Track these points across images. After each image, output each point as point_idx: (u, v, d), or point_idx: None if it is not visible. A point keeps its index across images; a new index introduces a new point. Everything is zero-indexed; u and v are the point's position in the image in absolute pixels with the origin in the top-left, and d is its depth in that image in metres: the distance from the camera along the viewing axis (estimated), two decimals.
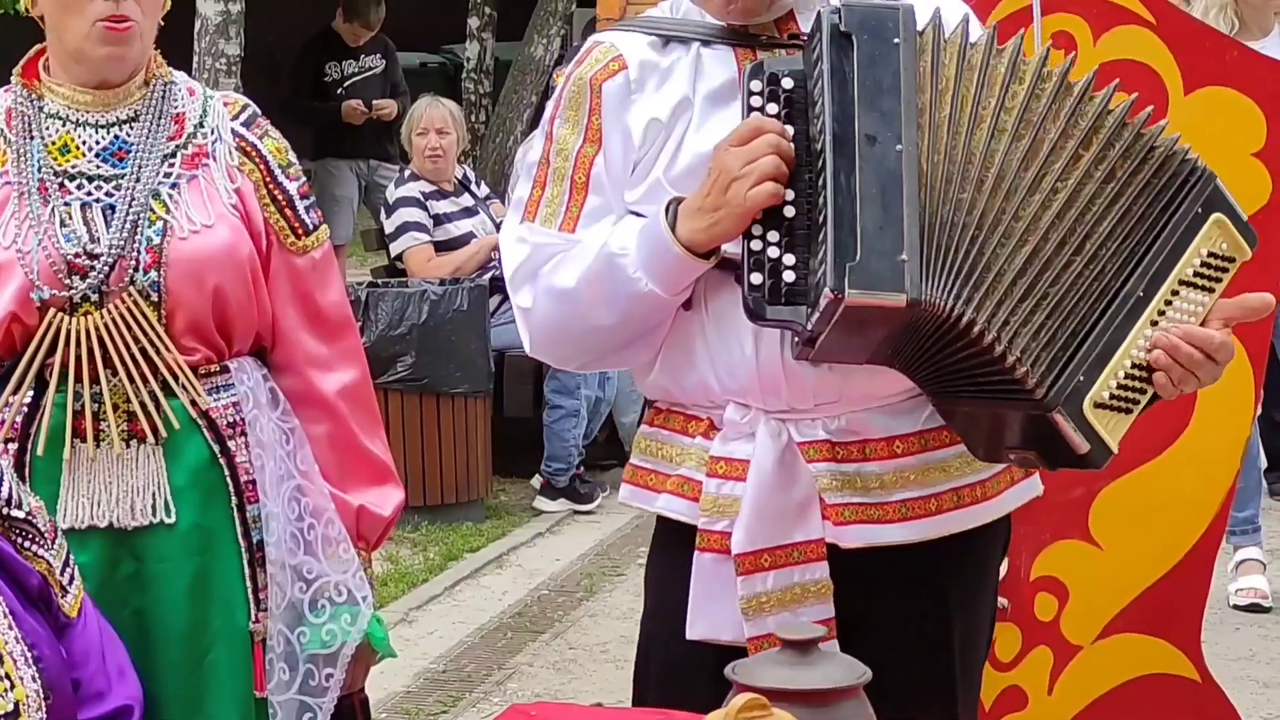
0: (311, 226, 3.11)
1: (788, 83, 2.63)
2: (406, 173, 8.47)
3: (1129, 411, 2.59)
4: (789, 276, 2.58)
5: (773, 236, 2.59)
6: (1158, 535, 4.30)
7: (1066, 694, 4.32)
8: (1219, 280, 2.63)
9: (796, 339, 2.62)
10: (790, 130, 2.61)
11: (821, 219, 2.54)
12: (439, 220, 8.19)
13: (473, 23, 13.27)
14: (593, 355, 2.88)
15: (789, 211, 2.59)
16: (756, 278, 2.59)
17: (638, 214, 2.76)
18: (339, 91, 11.31)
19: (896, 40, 2.57)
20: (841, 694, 2.29)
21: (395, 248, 8.21)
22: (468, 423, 7.68)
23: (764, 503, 2.76)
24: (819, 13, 2.62)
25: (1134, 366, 2.57)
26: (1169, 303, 2.59)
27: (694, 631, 2.82)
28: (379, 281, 8.08)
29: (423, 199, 8.21)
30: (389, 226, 8.27)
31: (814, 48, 2.61)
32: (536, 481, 8.07)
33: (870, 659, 2.33)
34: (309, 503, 3.09)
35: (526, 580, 7.13)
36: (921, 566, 2.81)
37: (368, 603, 3.14)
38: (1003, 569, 4.24)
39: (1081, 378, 2.53)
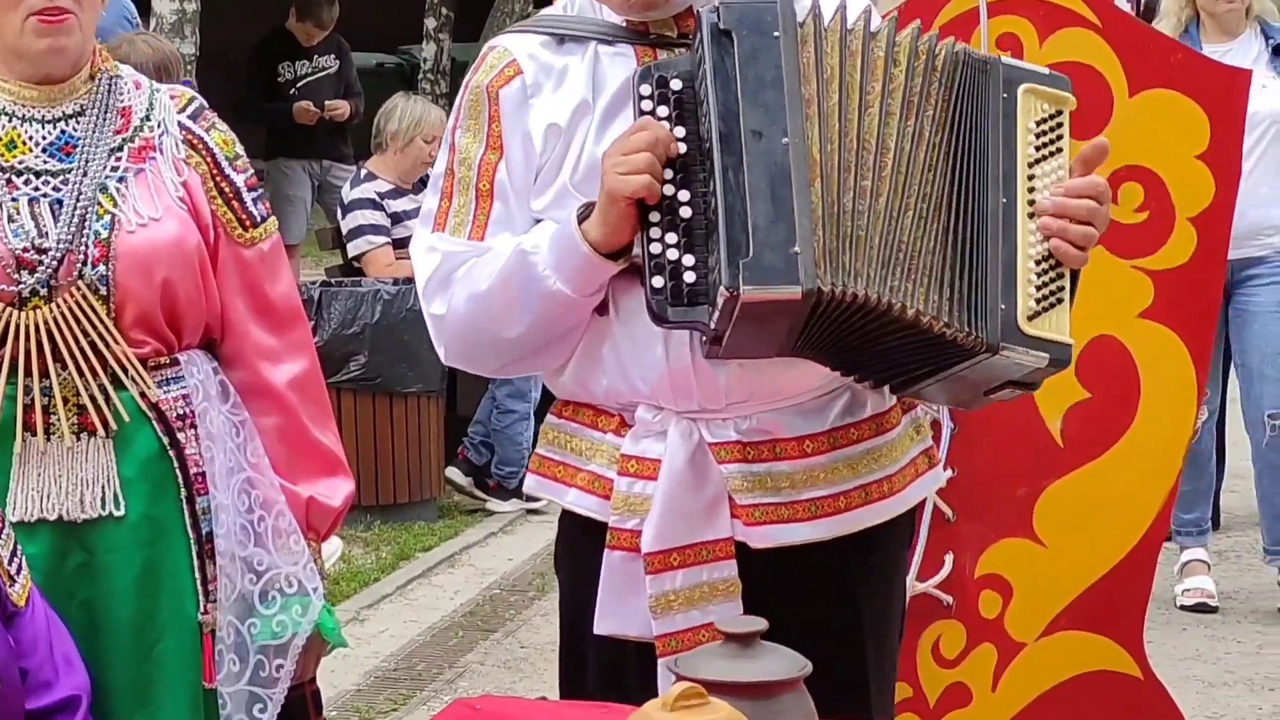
0: (259, 218, 3.13)
1: (676, 84, 2.63)
2: (363, 173, 8.42)
3: (1062, 301, 2.62)
4: (689, 277, 2.59)
5: (671, 238, 2.60)
6: (1101, 534, 4.34)
7: (1010, 691, 4.36)
8: (1060, 138, 2.65)
9: (704, 338, 2.63)
10: (682, 131, 2.62)
11: (715, 219, 2.55)
12: (397, 218, 8.15)
13: (429, 23, 13.28)
14: (507, 359, 2.87)
15: (685, 212, 2.60)
16: (658, 280, 2.60)
17: (540, 220, 2.78)
18: (292, 92, 11.29)
19: (776, 34, 2.58)
20: (782, 686, 2.31)
21: (352, 249, 8.20)
22: (420, 422, 7.68)
23: (674, 503, 2.77)
24: (699, 12, 2.64)
25: (1039, 263, 2.60)
26: (1031, 189, 2.61)
27: (602, 627, 2.84)
28: (332, 281, 8.08)
29: (379, 199, 8.18)
30: (345, 227, 8.25)
31: (697, 47, 2.62)
32: (453, 473, 8.05)
33: None
34: (259, 495, 3.10)
35: (478, 579, 7.15)
36: (830, 562, 2.84)
37: (318, 594, 3.15)
38: (947, 566, 4.32)
39: (1003, 306, 2.56)
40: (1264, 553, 6.72)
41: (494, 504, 7.99)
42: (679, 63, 2.68)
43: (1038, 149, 2.62)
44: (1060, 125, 2.65)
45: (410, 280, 7.81)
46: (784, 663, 2.34)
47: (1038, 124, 2.63)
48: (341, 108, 11.20)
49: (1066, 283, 2.63)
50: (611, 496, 2.82)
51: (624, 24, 2.81)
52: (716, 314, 2.55)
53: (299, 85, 11.35)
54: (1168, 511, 4.36)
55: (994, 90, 2.63)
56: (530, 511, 7.91)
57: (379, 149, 8.30)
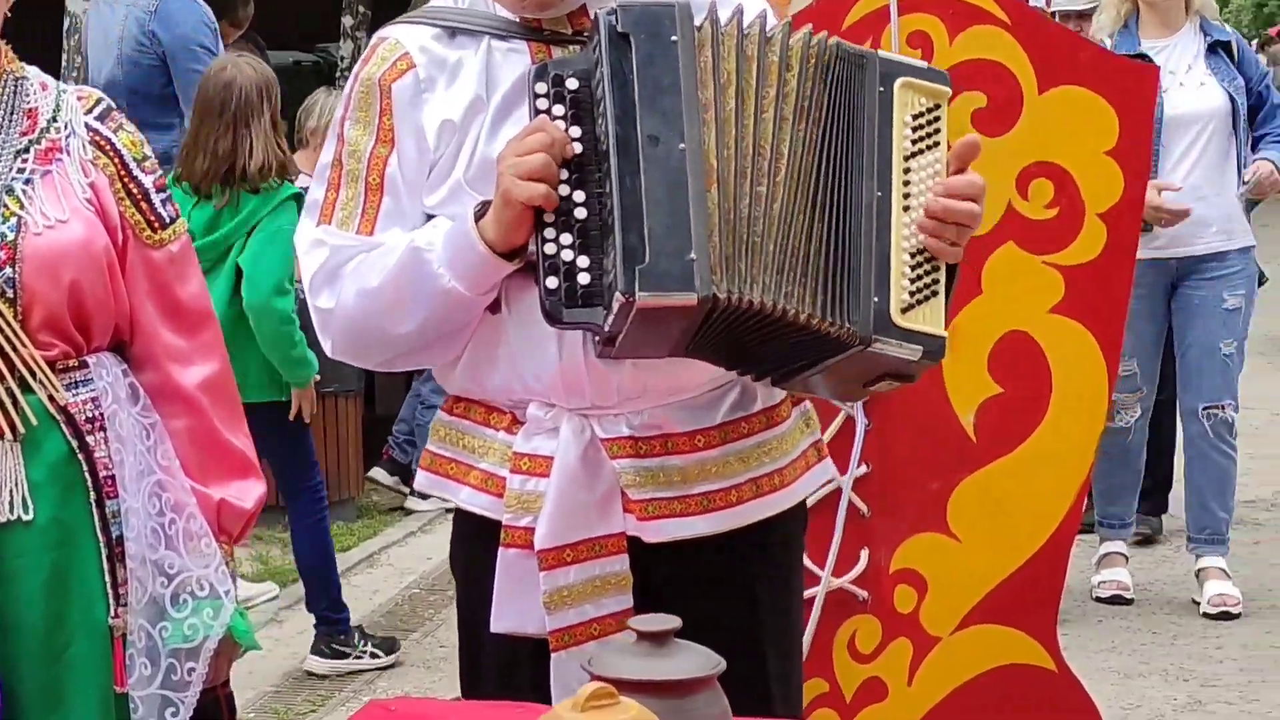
0: (168, 220, 3.11)
1: (572, 83, 2.63)
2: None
3: (936, 295, 2.63)
4: (584, 279, 2.58)
5: (566, 239, 2.59)
6: (1014, 527, 4.37)
7: (926, 685, 4.38)
8: (937, 131, 2.65)
9: (597, 339, 2.63)
10: (578, 131, 2.61)
11: (610, 221, 2.55)
12: None
13: (346, 21, 13.21)
14: (395, 354, 2.86)
15: (580, 214, 2.59)
16: (552, 281, 2.59)
17: (433, 216, 2.77)
18: None
19: (674, 38, 2.58)
20: (696, 685, 2.31)
21: None
22: (338, 422, 7.66)
23: (567, 499, 2.78)
24: (596, 14, 2.63)
25: (913, 256, 2.61)
26: (907, 183, 2.62)
27: (498, 625, 2.84)
28: None
29: (301, 194, 8.14)
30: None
31: (594, 49, 2.62)
32: (379, 473, 8.01)
33: None
34: (170, 498, 3.08)
35: (398, 579, 7.14)
36: (722, 556, 2.86)
37: (230, 596, 3.14)
38: (862, 561, 4.34)
39: (876, 298, 2.58)
40: (1188, 541, 6.78)
41: (413, 502, 7.97)
42: (575, 61, 2.67)
43: (914, 142, 2.63)
44: (938, 119, 2.66)
45: None
46: (698, 661, 2.34)
47: (914, 118, 2.64)
48: None
49: (941, 276, 2.63)
50: (504, 494, 2.82)
51: (517, 20, 2.80)
52: (611, 317, 2.56)
53: None
54: (1080, 505, 4.39)
55: (870, 85, 2.64)
56: (450, 510, 7.87)
57: (300, 145, 8.26)
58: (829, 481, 3.15)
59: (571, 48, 2.76)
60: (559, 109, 2.63)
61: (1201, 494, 6.73)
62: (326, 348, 2.90)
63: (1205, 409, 6.60)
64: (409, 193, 2.78)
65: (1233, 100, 6.46)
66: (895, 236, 2.60)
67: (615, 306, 2.53)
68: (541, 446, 2.80)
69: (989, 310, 4.34)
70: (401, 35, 2.83)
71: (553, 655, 2.82)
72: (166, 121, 6.73)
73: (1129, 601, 6.65)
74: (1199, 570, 6.73)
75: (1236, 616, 6.51)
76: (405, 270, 2.72)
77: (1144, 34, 6.59)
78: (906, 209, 2.62)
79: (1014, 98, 4.27)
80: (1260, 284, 7.02)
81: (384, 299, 2.75)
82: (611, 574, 2.81)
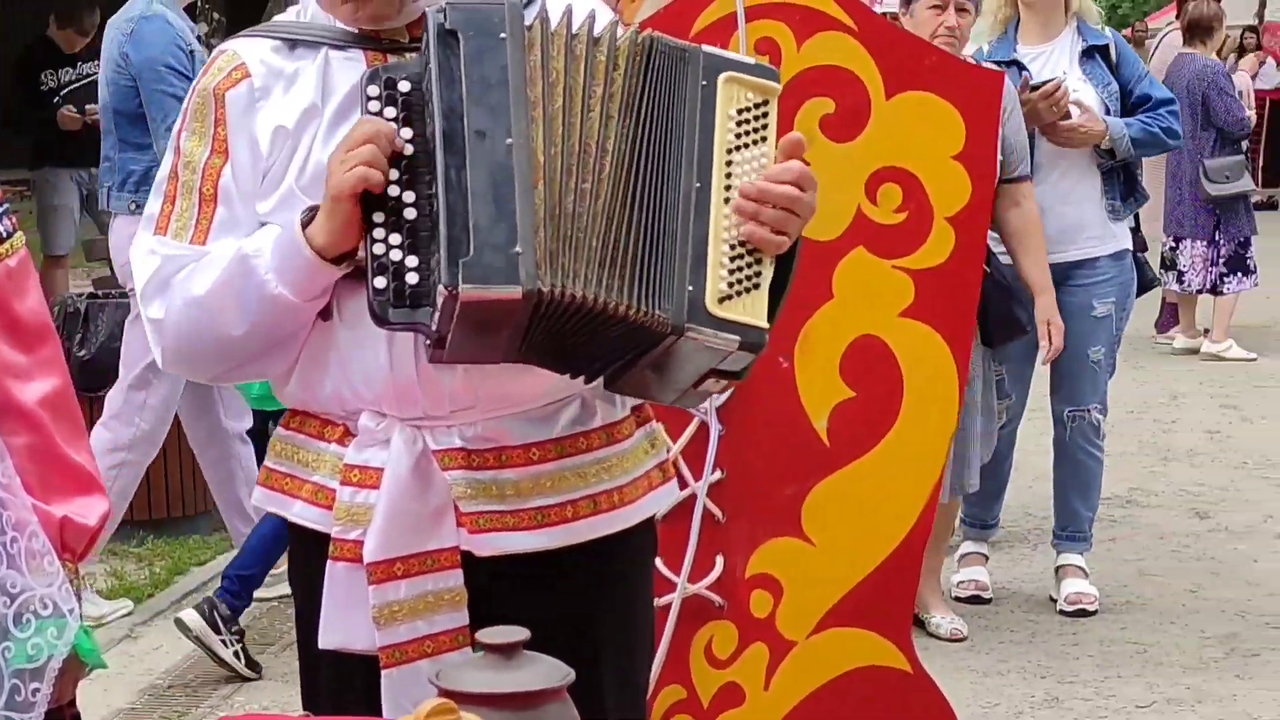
0: (4, 234, 3.06)
1: (404, 85, 2.61)
2: None
3: (758, 286, 2.59)
4: (412, 278, 2.56)
5: (395, 239, 2.57)
6: (868, 531, 4.39)
7: (783, 689, 4.40)
8: (765, 127, 2.64)
9: (428, 341, 2.61)
10: (409, 133, 2.59)
11: (436, 217, 2.54)
12: None
13: (201, 29, 13.12)
14: (228, 365, 2.83)
15: (410, 214, 2.58)
16: (380, 281, 2.57)
17: (266, 224, 2.74)
18: (56, 100, 11.08)
19: (503, 35, 2.57)
20: (545, 696, 2.30)
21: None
22: None
23: (398, 511, 2.74)
24: (425, 12, 2.62)
25: (733, 248, 2.59)
26: (729, 175, 2.60)
27: (327, 640, 2.80)
28: (99, 293, 7.94)
29: None
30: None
31: (424, 48, 2.61)
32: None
33: None
34: (11, 516, 3.02)
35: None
36: (558, 573, 2.83)
37: (74, 615, 3.09)
38: (718, 568, 4.35)
39: (690, 287, 2.55)
40: (1053, 538, 6.85)
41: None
42: (408, 65, 2.66)
43: (738, 136, 2.61)
44: (765, 115, 2.64)
45: None
46: (546, 672, 2.33)
47: (739, 112, 2.62)
48: None
49: (765, 269, 2.60)
50: (334, 507, 2.79)
51: (356, 30, 2.79)
52: (438, 315, 2.53)
53: (63, 93, 11.14)
54: (933, 507, 4.42)
55: (692, 79, 2.62)
56: None
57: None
58: (687, 495, 3.11)
59: (409, 55, 2.74)
60: (390, 110, 2.61)
61: (1066, 493, 6.80)
62: (158, 359, 2.85)
63: (1071, 412, 6.67)
64: (243, 202, 2.76)
65: (1106, 107, 6.50)
66: (714, 227, 2.57)
67: (439, 302, 2.50)
68: (373, 458, 2.76)
69: (840, 315, 4.36)
70: (240, 47, 2.82)
71: (383, 673, 2.77)
72: (145, 141, 6.73)
73: (987, 601, 6.70)
74: (1058, 568, 6.80)
75: (1093, 614, 6.58)
76: (233, 277, 2.70)
77: (1023, 39, 6.63)
78: (727, 200, 2.59)
79: (861, 103, 4.30)
80: (1150, 287, 7.10)
81: (212, 307, 2.72)
82: (445, 590, 2.77)
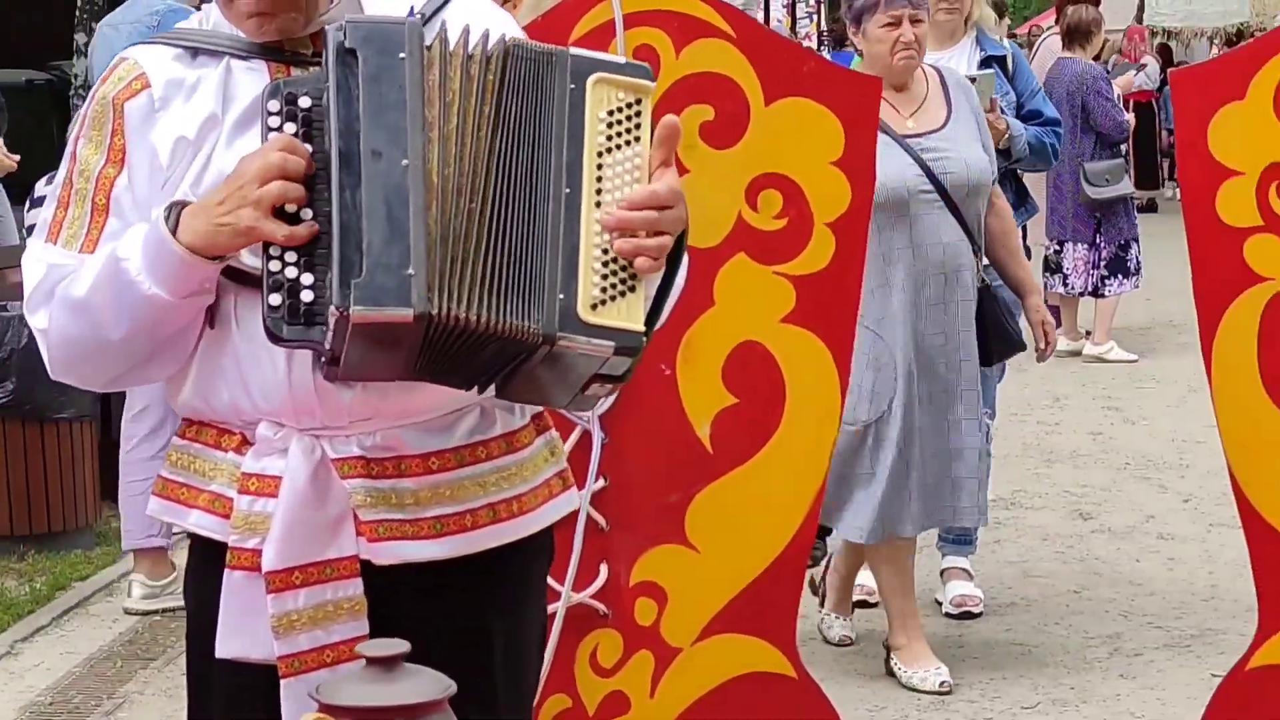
0: None
1: (305, 101, 2.60)
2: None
3: (633, 290, 2.57)
4: (307, 296, 2.55)
5: (290, 256, 2.56)
6: (751, 537, 4.41)
7: (668, 696, 4.41)
8: (638, 126, 2.61)
9: (322, 359, 2.60)
10: (308, 149, 2.58)
11: (331, 236, 2.53)
12: None
13: (80, 39, 12.98)
14: (114, 371, 2.80)
15: (304, 229, 2.56)
16: (275, 298, 2.55)
17: None
18: None
19: (402, 55, 2.56)
20: (426, 709, 2.29)
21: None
22: (74, 448, 7.50)
23: (296, 520, 2.73)
24: (325, 29, 2.61)
25: (605, 253, 2.57)
26: (600, 179, 2.58)
27: (224, 650, 2.78)
28: None
29: None
30: (29, 220, 7.98)
31: (324, 65, 2.59)
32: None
33: None
34: None
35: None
36: (458, 582, 2.82)
37: None
38: (602, 576, 4.34)
39: (562, 295, 2.53)
40: (938, 540, 6.87)
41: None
42: (309, 80, 2.64)
43: (609, 138, 2.59)
44: (638, 114, 2.61)
45: None
46: (428, 684, 2.32)
47: (610, 113, 2.60)
48: None
49: (641, 273, 2.59)
50: (231, 515, 2.77)
51: (260, 41, 2.77)
52: (331, 334, 2.52)
53: None
54: (815, 512, 4.44)
55: (560, 82, 2.60)
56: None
57: None
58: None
59: (311, 68, 2.73)
60: (290, 127, 2.59)
61: None
62: (49, 369, 2.82)
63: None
64: (137, 212, 2.74)
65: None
66: (585, 233, 2.56)
67: (331, 322, 2.50)
68: (270, 466, 2.75)
69: (722, 322, 4.37)
70: (141, 56, 2.80)
71: (282, 682, 2.75)
72: None
73: (874, 605, 6.72)
74: (943, 570, 6.83)
75: (978, 616, 6.62)
76: (107, 281, 2.67)
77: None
78: (599, 204, 2.57)
79: (741, 110, 4.31)
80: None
81: (90, 312, 2.70)
82: (344, 599, 2.75)
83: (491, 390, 2.74)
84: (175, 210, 2.63)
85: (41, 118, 15.14)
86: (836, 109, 4.34)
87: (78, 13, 12.98)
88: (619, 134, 2.60)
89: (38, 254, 2.78)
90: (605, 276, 2.56)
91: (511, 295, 2.54)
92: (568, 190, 2.57)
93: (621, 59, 2.66)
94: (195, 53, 2.78)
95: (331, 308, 2.48)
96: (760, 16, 15.98)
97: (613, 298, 2.56)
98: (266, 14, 2.72)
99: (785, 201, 4.37)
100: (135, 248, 2.66)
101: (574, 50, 2.64)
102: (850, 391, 5.07)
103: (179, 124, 2.74)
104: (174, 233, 2.62)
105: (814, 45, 20.24)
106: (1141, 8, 21.36)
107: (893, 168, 5.43)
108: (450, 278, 2.52)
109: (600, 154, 2.59)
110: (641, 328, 2.57)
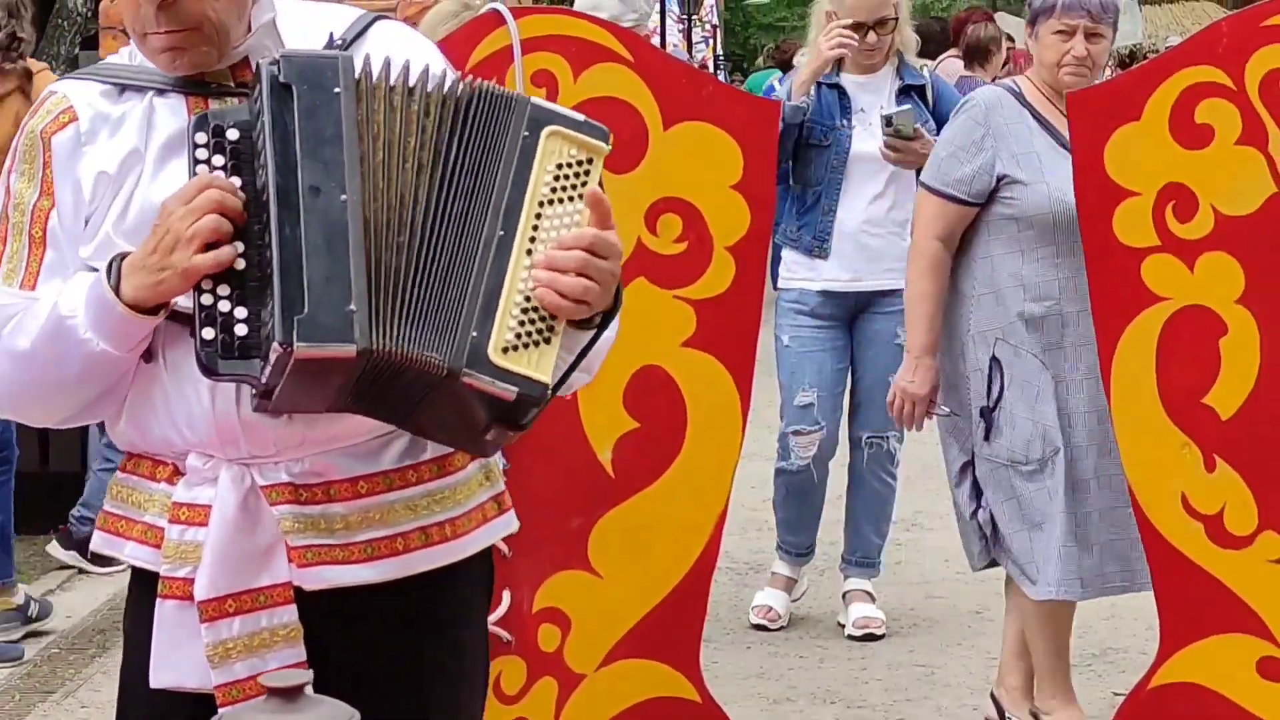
0: None
1: (233, 134, 2.60)
2: None
3: (549, 341, 2.58)
4: (241, 330, 2.55)
5: (224, 290, 2.57)
6: (654, 561, 4.41)
7: None
8: (583, 184, 2.62)
9: (254, 392, 2.60)
10: (237, 182, 2.59)
11: (269, 272, 2.52)
12: None
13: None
14: (62, 413, 2.84)
15: (239, 264, 2.57)
16: (208, 333, 2.56)
17: (94, 269, 2.71)
18: None
19: (337, 90, 2.57)
20: None
21: None
22: None
23: (227, 548, 2.74)
24: (258, 64, 2.61)
25: (527, 299, 2.57)
26: (536, 228, 2.59)
27: (158, 679, 2.78)
28: None
29: None
30: None
31: (255, 99, 2.59)
32: (54, 548, 7.77)
33: (347, 701, 2.33)
34: None
35: (35, 639, 6.92)
36: (393, 605, 2.82)
37: None
38: (505, 603, 4.33)
39: (475, 333, 2.54)
40: (841, 562, 6.88)
41: (55, 549, 7.72)
42: (236, 112, 2.64)
43: (553, 190, 2.60)
44: (587, 173, 2.62)
45: None
46: (329, 714, 2.30)
47: (559, 166, 2.61)
48: None
49: (558, 325, 2.60)
50: (163, 544, 2.77)
51: (179, 76, 2.77)
52: (269, 369, 2.52)
53: None
54: (718, 535, 4.44)
55: (515, 129, 2.61)
56: (85, 570, 7.63)
57: None
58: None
59: (232, 99, 2.73)
60: (219, 159, 2.60)
61: (858, 519, 6.83)
62: None
63: (869, 438, 6.70)
64: (69, 245, 2.76)
65: None
66: (511, 277, 2.57)
67: (272, 358, 2.50)
68: (200, 495, 2.76)
69: (622, 346, 4.27)
70: (69, 90, 2.82)
71: (220, 711, 2.72)
72: None
73: (778, 629, 6.71)
74: (845, 593, 6.84)
75: (881, 638, 6.64)
76: (53, 338, 2.70)
77: (846, 69, 6.65)
78: (529, 253, 2.58)
79: (639, 134, 4.32)
80: None
81: (35, 365, 2.73)
82: (279, 625, 2.76)
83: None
84: (116, 265, 2.64)
85: None
86: (735, 132, 4.35)
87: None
88: (564, 188, 2.60)
89: None
90: (522, 323, 2.56)
91: (428, 328, 2.55)
92: (501, 232, 2.57)
93: (581, 117, 2.65)
94: (122, 89, 2.79)
95: (275, 344, 2.48)
96: (656, 42, 16.02)
97: (525, 345, 2.56)
98: (178, 49, 2.72)
99: (685, 225, 4.38)
100: (79, 303, 2.68)
101: (535, 100, 2.64)
102: (1020, 424, 5.04)
103: (102, 159, 2.75)
104: (116, 289, 2.63)
105: (710, 70, 20.33)
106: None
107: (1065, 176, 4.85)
108: (384, 312, 2.53)
109: (542, 204, 2.59)
110: (548, 379, 2.57)
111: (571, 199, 2.61)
